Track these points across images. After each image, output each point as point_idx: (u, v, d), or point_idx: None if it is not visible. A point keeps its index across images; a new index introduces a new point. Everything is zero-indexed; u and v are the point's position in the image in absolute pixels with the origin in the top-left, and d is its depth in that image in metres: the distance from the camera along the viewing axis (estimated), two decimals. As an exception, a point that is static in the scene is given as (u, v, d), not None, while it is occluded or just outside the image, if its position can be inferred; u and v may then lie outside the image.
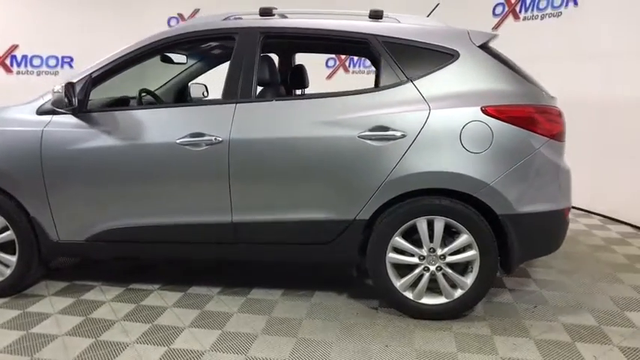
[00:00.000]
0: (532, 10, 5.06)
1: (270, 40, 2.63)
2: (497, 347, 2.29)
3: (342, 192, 2.48)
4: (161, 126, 2.58)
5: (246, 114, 2.52)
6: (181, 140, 2.52)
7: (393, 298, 2.57)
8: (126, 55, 2.66)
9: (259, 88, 2.74)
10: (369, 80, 6.88)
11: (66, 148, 2.60)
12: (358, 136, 2.42)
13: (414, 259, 2.50)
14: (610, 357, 2.22)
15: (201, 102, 2.75)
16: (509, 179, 2.38)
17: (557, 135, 2.44)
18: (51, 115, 2.64)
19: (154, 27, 4.56)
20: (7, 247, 2.73)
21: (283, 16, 2.75)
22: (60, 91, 2.43)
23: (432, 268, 2.49)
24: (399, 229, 2.47)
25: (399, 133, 2.40)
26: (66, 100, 2.44)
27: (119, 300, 2.79)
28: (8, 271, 2.77)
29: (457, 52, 2.50)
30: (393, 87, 2.48)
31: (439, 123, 2.39)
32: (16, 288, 2.83)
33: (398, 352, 2.25)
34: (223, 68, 3.82)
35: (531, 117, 2.39)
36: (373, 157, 2.42)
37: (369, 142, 2.42)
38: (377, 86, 2.54)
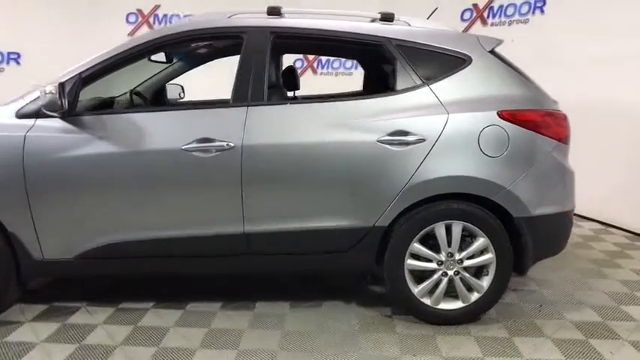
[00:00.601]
0: (500, 16, 5.25)
1: (280, 40, 2.49)
2: (519, 349, 2.32)
3: (361, 198, 2.40)
4: (163, 131, 2.37)
5: (259, 118, 2.38)
6: (187, 146, 2.32)
7: (410, 305, 2.52)
8: (120, 53, 2.42)
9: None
10: (337, 82, 6.90)
11: (53, 156, 2.32)
12: (377, 141, 2.36)
13: (433, 265, 2.48)
14: (624, 352, 2.31)
15: (206, 105, 2.56)
16: (524, 182, 2.41)
17: (564, 138, 2.51)
18: (34, 119, 2.35)
19: (111, 22, 4.23)
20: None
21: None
22: (53, 92, 2.16)
23: (450, 273, 2.48)
24: (418, 235, 2.44)
25: (418, 138, 2.36)
26: (59, 102, 2.17)
27: (113, 322, 2.54)
28: (-20, 298, 2.44)
29: (469, 56, 2.50)
30: (410, 91, 2.44)
31: (458, 127, 2.38)
32: (-8, 316, 2.50)
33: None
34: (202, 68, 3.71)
35: (544, 121, 2.44)
36: (393, 162, 2.37)
37: (388, 146, 2.36)
38: (392, 89, 2.48)
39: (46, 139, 2.32)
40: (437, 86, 2.44)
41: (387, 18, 2.59)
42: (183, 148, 2.32)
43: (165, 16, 6.13)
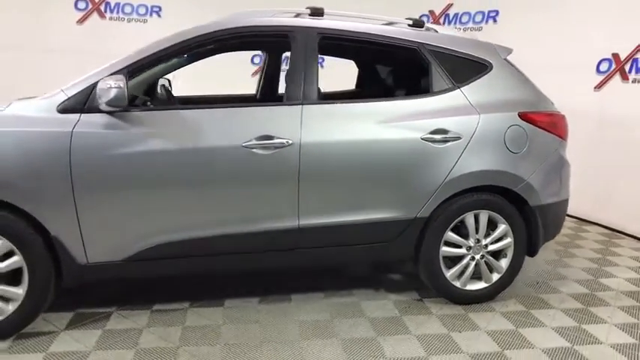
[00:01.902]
0: (455, 23, 5.72)
1: (325, 41, 2.57)
2: (541, 320, 2.67)
3: (406, 192, 2.59)
4: (220, 128, 2.35)
5: (313, 116, 2.45)
6: (248, 143, 2.33)
7: (443, 288, 2.77)
8: (167, 48, 2.35)
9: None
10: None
11: (102, 154, 2.19)
12: (421, 138, 2.56)
13: (462, 251, 2.75)
14: (617, 315, 2.76)
15: (259, 103, 2.55)
16: (538, 175, 2.76)
17: (564, 136, 2.91)
18: (78, 114, 2.19)
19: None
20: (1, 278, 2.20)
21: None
22: (121, 86, 2.05)
23: (477, 257, 2.76)
24: (451, 224, 2.69)
25: (456, 136, 2.60)
26: (126, 96, 2.06)
27: (158, 324, 2.46)
28: (10, 308, 2.22)
29: (490, 62, 2.80)
30: (444, 93, 2.67)
31: (488, 127, 2.66)
32: (20, 328, 2.28)
33: (474, 335, 2.46)
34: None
35: (553, 121, 2.82)
36: (434, 158, 2.58)
37: (430, 144, 2.57)
38: (427, 92, 2.68)
39: (95, 135, 2.18)
40: (467, 89, 2.70)
41: (418, 24, 2.80)
42: (243, 145, 2.33)
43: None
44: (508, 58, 2.93)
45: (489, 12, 5.47)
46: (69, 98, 2.20)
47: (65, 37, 5.54)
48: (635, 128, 4.17)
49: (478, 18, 5.54)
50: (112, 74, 2.22)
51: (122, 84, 2.06)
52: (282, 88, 3.82)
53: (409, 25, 2.81)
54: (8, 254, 2.17)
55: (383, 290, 2.98)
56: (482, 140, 2.65)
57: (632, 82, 4.19)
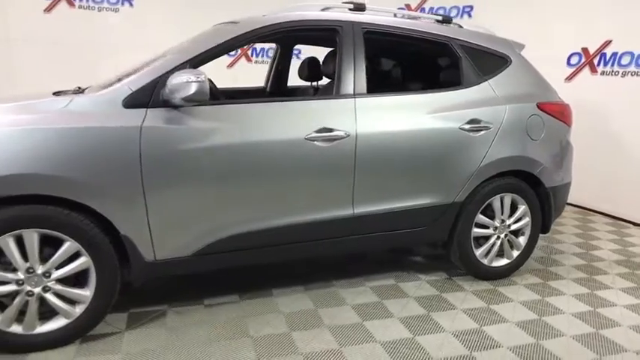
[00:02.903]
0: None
1: (368, 35, 2.67)
2: (560, 289, 2.98)
3: (447, 179, 2.77)
4: (284, 121, 2.39)
5: (365, 108, 2.55)
6: (310, 136, 2.40)
7: (473, 266, 3.00)
8: (226, 41, 2.34)
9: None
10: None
11: (171, 149, 2.15)
12: (459, 128, 2.75)
13: (490, 231, 2.99)
14: (617, 281, 3.15)
15: (313, 96, 2.59)
16: (553, 160, 3.07)
17: (570, 123, 3.23)
18: (144, 109, 2.14)
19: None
20: (66, 280, 2.12)
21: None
22: (204, 79, 2.03)
23: (502, 236, 3.02)
24: (481, 207, 2.92)
25: (487, 125, 2.82)
26: (208, 90, 2.05)
27: (217, 317, 2.48)
28: (77, 310, 2.16)
29: (509, 57, 3.04)
30: (474, 85, 2.88)
31: (513, 116, 2.90)
32: (87, 331, 2.22)
33: (510, 306, 2.72)
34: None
35: (562, 110, 3.13)
36: (470, 146, 2.79)
37: (466, 133, 2.77)
38: (459, 84, 2.87)
39: (164, 130, 2.15)
40: (492, 82, 2.93)
41: (447, 20, 2.97)
42: (305, 137, 2.39)
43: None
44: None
45: (464, 7, 5.79)
46: (133, 92, 2.14)
47: (31, 27, 5.16)
48: (603, 117, 4.65)
49: (453, 12, 5.84)
50: (176, 67, 2.19)
51: (204, 78, 2.05)
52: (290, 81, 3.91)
53: (437, 20, 2.98)
54: (72, 255, 2.10)
55: (414, 272, 3.16)
56: (509, 129, 2.89)
57: (601, 74, 4.66)
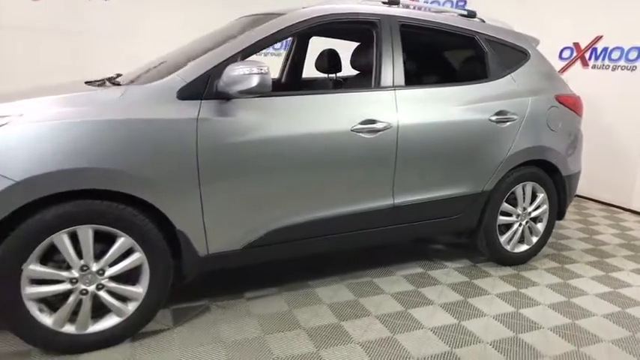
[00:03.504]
0: (425, 11, 6.04)
1: (403, 29, 2.70)
2: (578, 272, 3.14)
3: (478, 168, 2.85)
4: (331, 113, 2.39)
5: (405, 100, 2.59)
6: (355, 127, 2.41)
7: (497, 252, 3.11)
8: (274, 33, 2.31)
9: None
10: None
11: (226, 141, 2.12)
12: (488, 119, 2.84)
13: (513, 218, 3.11)
14: (625, 263, 3.34)
15: (354, 89, 2.59)
16: (568, 149, 3.21)
17: (581, 114, 3.38)
18: (198, 100, 2.10)
19: None
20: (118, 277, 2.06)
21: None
22: (267, 71, 2.00)
23: (523, 223, 3.15)
24: (506, 196, 3.03)
25: (514, 117, 2.92)
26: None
27: (261, 310, 2.47)
28: (130, 308, 2.10)
29: (528, 51, 3.15)
30: (499, 78, 2.97)
31: (535, 108, 3.01)
32: (139, 329, 2.16)
33: (538, 290, 2.84)
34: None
35: (575, 102, 3.27)
36: (499, 137, 2.88)
37: (495, 124, 2.86)
38: (486, 77, 2.95)
39: (219, 122, 2.11)
40: (515, 75, 3.03)
41: (471, 15, 3.04)
42: (351, 129, 2.41)
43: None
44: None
45: (458, 1, 5.91)
46: (188, 84, 2.09)
47: (19, 14, 4.91)
48: (593, 108, 4.87)
49: (447, 6, 5.94)
50: (228, 59, 2.15)
51: (267, 69, 2.02)
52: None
53: (461, 15, 3.05)
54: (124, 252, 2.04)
55: (438, 260, 3.24)
56: (532, 120, 3.00)
57: (592, 67, 4.88)
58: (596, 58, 4.84)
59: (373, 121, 2.47)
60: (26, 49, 4.99)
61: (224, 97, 2.11)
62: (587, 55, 4.92)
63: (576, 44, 4.99)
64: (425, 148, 2.66)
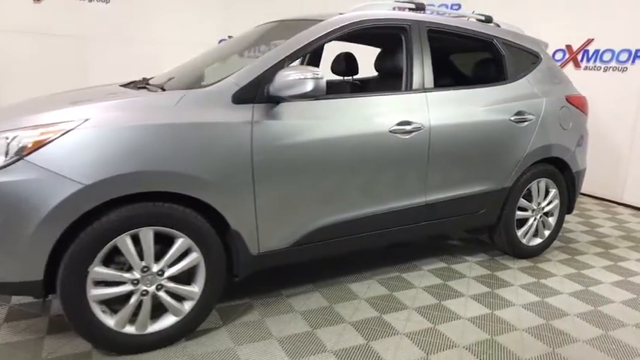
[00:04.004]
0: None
1: (431, 34, 2.82)
2: (589, 263, 3.33)
3: (500, 166, 3.00)
4: (371, 115, 2.49)
5: (435, 102, 2.71)
6: (392, 128, 2.52)
7: (513, 246, 3.26)
8: (317, 39, 2.39)
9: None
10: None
11: (277, 143, 2.19)
12: (509, 120, 2.99)
13: (529, 213, 3.27)
14: (630, 253, 3.55)
15: (389, 92, 2.68)
16: (577, 147, 3.40)
17: (587, 113, 3.57)
18: (250, 104, 2.17)
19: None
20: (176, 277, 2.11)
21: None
22: (321, 76, 2.08)
23: (537, 217, 3.32)
24: (523, 192, 3.19)
25: (531, 117, 3.08)
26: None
27: (302, 307, 2.55)
28: (187, 307, 2.15)
29: (539, 54, 3.33)
30: (516, 80, 3.12)
31: (549, 108, 3.19)
32: (193, 328, 2.21)
33: (557, 280, 3.00)
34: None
35: (582, 102, 3.47)
36: (518, 136, 3.04)
37: (515, 124, 3.01)
38: (504, 79, 3.10)
39: (270, 125, 2.18)
40: (530, 77, 3.19)
41: (488, 20, 3.19)
42: (389, 130, 2.51)
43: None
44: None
45: (452, 5, 6.10)
46: (241, 88, 2.15)
47: (22, 17, 4.83)
48: (586, 107, 5.13)
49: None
50: (277, 64, 2.22)
51: (321, 74, 2.10)
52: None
53: (479, 20, 3.19)
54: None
55: (458, 255, 3.38)
56: (546, 120, 3.17)
57: (584, 69, 5.13)
58: (588, 60, 5.09)
59: (408, 123, 2.58)
60: (32, 51, 4.92)
61: (274, 100, 2.18)
62: (579, 57, 5.16)
63: (568, 46, 5.23)
64: (454, 148, 2.78)
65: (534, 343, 2.30)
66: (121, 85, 2.68)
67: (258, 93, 2.18)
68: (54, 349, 2.07)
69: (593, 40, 5.05)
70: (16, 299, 2.48)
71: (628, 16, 4.72)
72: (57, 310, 2.38)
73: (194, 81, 2.55)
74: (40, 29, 4.91)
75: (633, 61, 4.74)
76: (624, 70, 4.80)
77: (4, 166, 1.77)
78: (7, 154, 1.79)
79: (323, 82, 2.11)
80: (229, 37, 5.61)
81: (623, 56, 4.81)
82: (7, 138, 1.80)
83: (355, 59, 3.49)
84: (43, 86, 4.94)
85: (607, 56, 4.94)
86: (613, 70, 4.90)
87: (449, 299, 2.70)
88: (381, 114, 2.53)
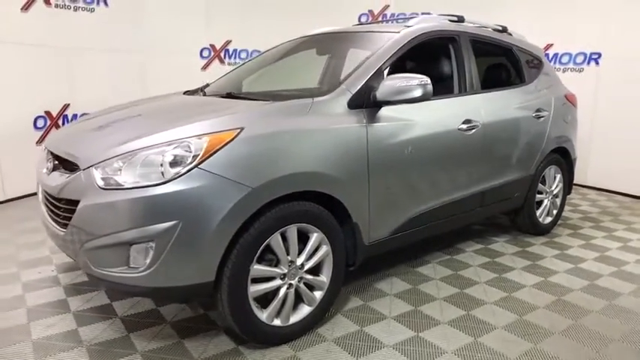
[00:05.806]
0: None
1: (472, 43, 3.23)
2: (591, 235, 3.94)
3: (528, 155, 3.49)
4: (447, 115, 2.85)
5: (484, 102, 3.12)
6: (460, 127, 2.89)
7: (533, 224, 3.79)
8: (399, 49, 2.69)
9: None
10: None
11: (386, 143, 2.47)
12: (532, 116, 3.49)
13: (543, 196, 3.82)
14: (615, 225, 4.23)
15: (453, 94, 3.03)
16: (574, 137, 4.01)
17: (576, 107, 4.20)
18: (361, 109, 2.42)
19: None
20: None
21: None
22: (429, 82, 2.36)
23: (550, 198, 3.88)
24: (540, 178, 3.72)
25: (546, 113, 3.61)
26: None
27: (363, 298, 2.83)
28: (318, 296, 2.35)
29: (541, 58, 3.89)
30: (531, 82, 3.65)
31: (556, 105, 3.75)
32: (323, 315, 2.41)
33: (574, 251, 3.55)
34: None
35: (575, 99, 4.09)
36: (539, 129, 3.56)
37: (536, 119, 3.53)
38: (524, 81, 3.60)
39: (380, 127, 2.45)
40: (540, 78, 3.74)
41: (504, 30, 3.69)
42: (457, 128, 2.88)
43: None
44: (540, 55, 4.07)
45: (423, 14, 6.64)
46: (354, 95, 2.40)
47: (8, 26, 4.56)
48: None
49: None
50: (375, 73, 2.49)
51: (428, 80, 2.40)
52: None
53: (494, 29, 3.67)
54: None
55: (487, 236, 3.84)
56: (556, 115, 3.73)
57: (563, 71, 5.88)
58: (549, 62, 5.84)
59: (470, 121, 2.96)
60: (20, 61, 4.65)
61: (379, 104, 2.45)
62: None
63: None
64: (499, 141, 3.22)
65: (591, 300, 2.78)
66: (185, 92, 2.81)
67: (365, 99, 2.43)
68: (201, 351, 2.17)
69: (552, 44, 5.81)
70: (122, 310, 2.50)
71: (581, 21, 5.51)
72: (171, 315, 2.44)
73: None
74: (28, 39, 4.67)
75: (588, 63, 5.56)
76: (581, 70, 5.61)
77: (182, 175, 1.88)
78: (182, 163, 1.90)
79: (430, 87, 2.42)
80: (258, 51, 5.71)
81: (579, 58, 5.61)
82: (188, 148, 1.91)
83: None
84: (28, 97, 4.71)
85: (565, 59, 5.73)
86: (571, 70, 5.69)
87: (505, 273, 3.12)
88: (452, 114, 2.90)
